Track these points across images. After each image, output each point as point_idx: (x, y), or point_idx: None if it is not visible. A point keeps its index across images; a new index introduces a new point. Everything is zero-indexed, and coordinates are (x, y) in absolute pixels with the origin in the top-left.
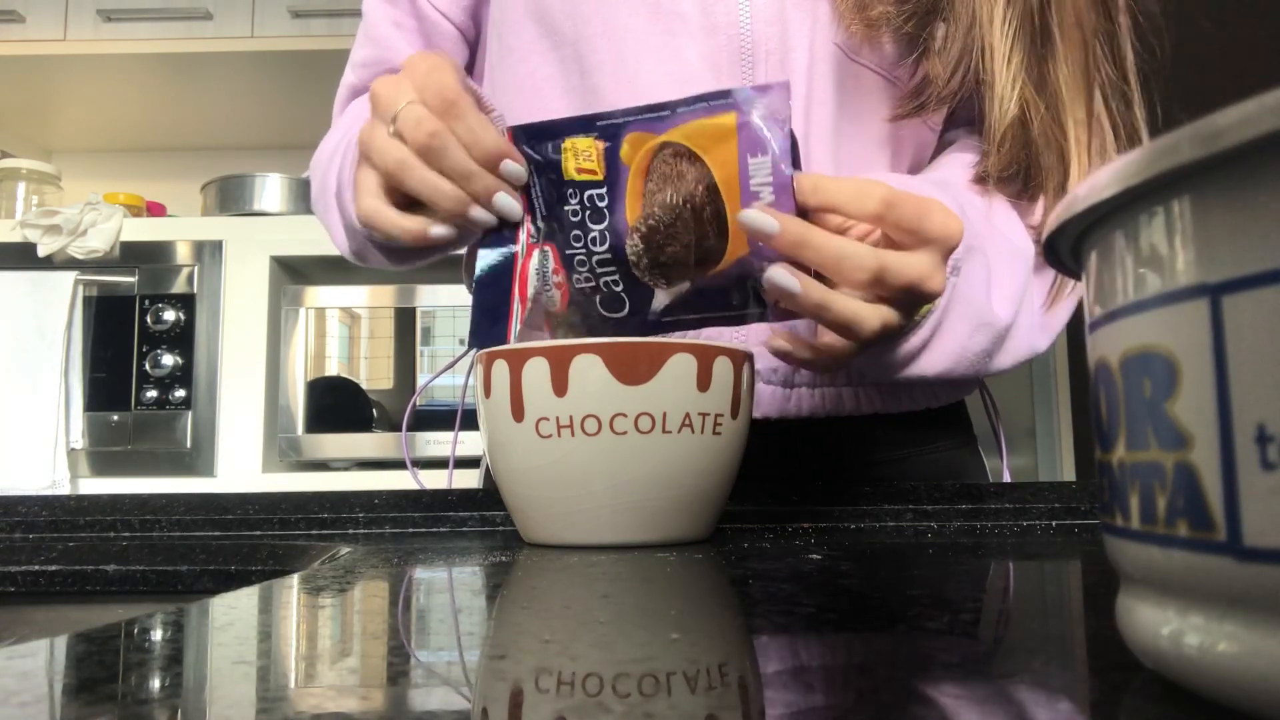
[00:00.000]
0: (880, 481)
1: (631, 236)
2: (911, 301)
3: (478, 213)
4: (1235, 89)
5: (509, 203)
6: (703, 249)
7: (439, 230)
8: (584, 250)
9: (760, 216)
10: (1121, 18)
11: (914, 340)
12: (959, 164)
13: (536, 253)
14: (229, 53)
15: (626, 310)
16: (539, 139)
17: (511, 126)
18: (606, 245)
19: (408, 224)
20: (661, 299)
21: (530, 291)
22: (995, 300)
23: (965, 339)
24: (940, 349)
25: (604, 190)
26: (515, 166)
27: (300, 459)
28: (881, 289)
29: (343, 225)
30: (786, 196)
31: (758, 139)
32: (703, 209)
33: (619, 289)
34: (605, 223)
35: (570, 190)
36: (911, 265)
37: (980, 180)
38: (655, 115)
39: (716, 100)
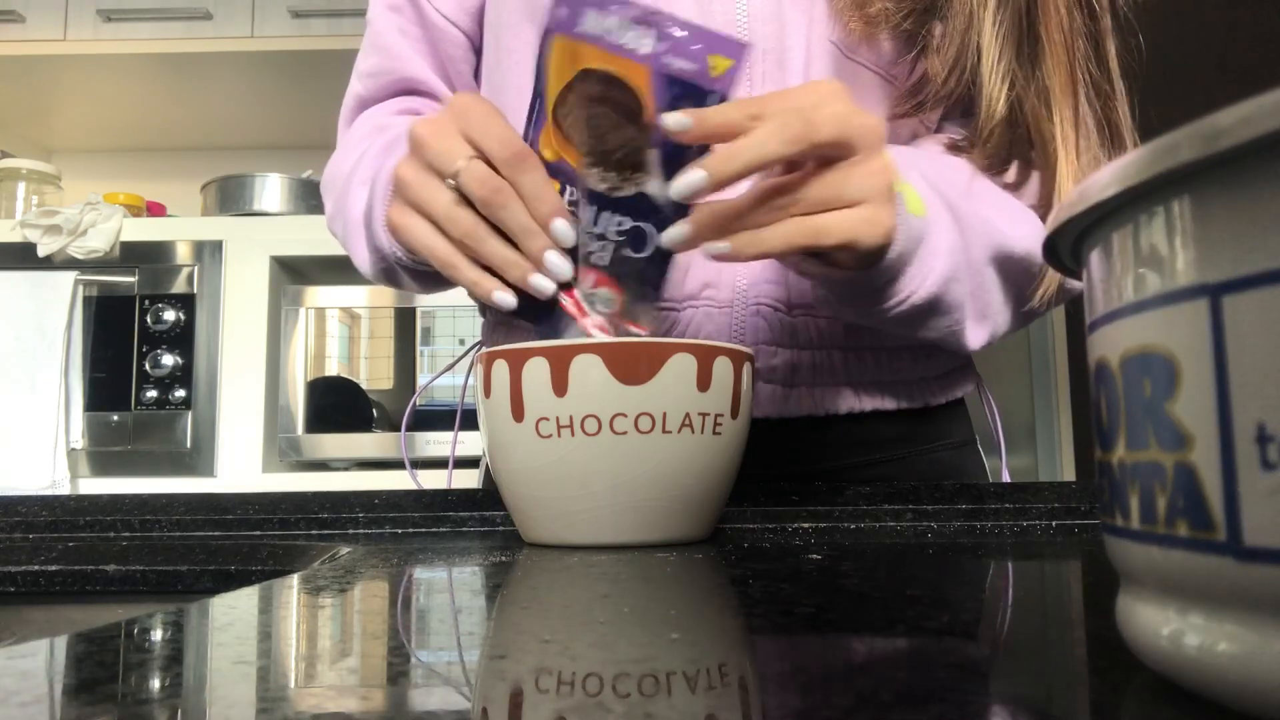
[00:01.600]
0: (880, 481)
1: (588, 173)
2: (845, 134)
3: (537, 280)
4: (1217, 88)
5: (558, 262)
6: (631, 113)
7: (505, 298)
8: (581, 236)
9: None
10: (1105, 19)
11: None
12: (933, 140)
13: (577, 294)
14: (229, 53)
15: (650, 233)
16: None
17: None
18: (591, 209)
19: (486, 284)
20: (657, 188)
21: (602, 320)
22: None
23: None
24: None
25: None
26: (564, 226)
27: (300, 459)
28: (819, 139)
29: (369, 250)
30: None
31: (569, 14)
32: (598, 92)
33: (628, 226)
34: (570, 194)
35: None
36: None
37: (952, 151)
38: (534, 111)
39: (541, 49)
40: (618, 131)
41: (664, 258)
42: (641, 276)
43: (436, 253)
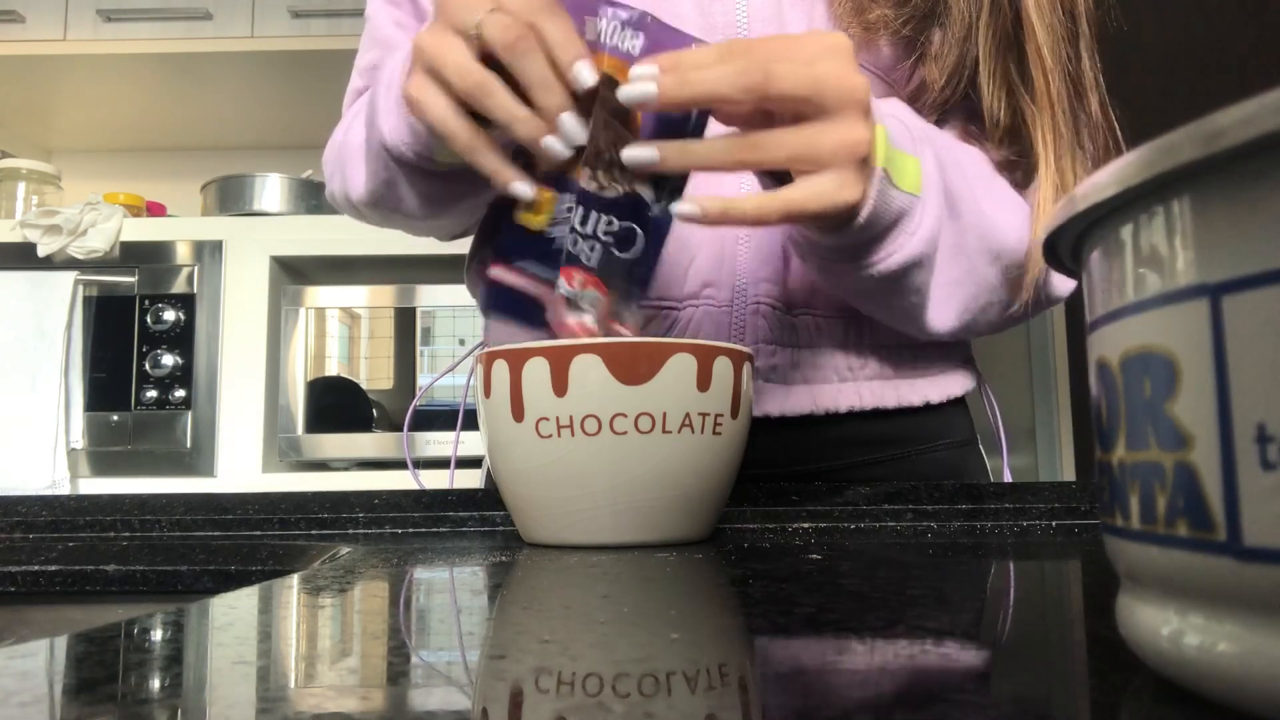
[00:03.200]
0: (881, 481)
1: (582, 174)
2: (820, 101)
3: (551, 142)
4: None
5: (573, 124)
6: (622, 115)
7: (524, 188)
8: (570, 236)
9: (636, 90)
10: (1083, 25)
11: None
12: (949, 130)
13: (562, 288)
14: (229, 53)
15: (639, 234)
16: (517, 242)
17: (494, 260)
18: (580, 209)
19: (507, 173)
20: (648, 191)
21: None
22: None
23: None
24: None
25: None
26: (586, 69)
27: (300, 459)
28: (774, 92)
29: (366, 163)
30: (643, 35)
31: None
32: (590, 94)
33: (617, 226)
34: (564, 199)
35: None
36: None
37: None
38: None
39: None
40: (609, 131)
41: (651, 258)
42: (629, 276)
43: (458, 134)
